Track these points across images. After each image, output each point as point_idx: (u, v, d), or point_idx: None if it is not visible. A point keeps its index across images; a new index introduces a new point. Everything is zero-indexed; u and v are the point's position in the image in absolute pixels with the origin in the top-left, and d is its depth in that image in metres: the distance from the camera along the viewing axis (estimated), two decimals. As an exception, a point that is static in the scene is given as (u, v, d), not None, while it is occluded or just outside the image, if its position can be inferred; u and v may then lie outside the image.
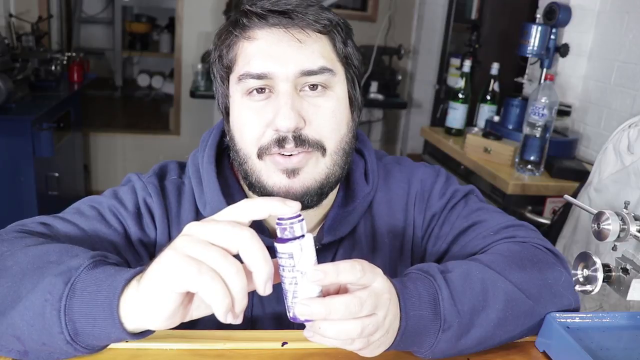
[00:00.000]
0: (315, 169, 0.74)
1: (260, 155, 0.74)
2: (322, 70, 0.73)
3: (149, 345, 0.66)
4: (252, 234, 0.50)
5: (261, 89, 0.73)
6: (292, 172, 0.73)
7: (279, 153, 0.72)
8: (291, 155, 0.72)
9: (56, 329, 0.55)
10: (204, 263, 0.49)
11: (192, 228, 0.52)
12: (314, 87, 0.73)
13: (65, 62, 3.09)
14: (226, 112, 0.80)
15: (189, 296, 0.53)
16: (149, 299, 0.52)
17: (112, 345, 0.65)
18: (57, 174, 2.64)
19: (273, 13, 0.72)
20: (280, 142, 0.72)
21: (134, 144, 3.88)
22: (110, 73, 4.72)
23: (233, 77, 0.75)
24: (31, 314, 0.56)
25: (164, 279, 0.50)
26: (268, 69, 0.71)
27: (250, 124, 0.74)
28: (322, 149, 0.74)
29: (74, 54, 3.26)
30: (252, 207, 0.53)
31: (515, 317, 0.69)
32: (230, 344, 0.68)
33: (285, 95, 0.71)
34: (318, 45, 0.73)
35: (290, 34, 0.72)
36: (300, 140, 0.72)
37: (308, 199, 0.74)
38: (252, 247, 0.50)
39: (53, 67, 2.91)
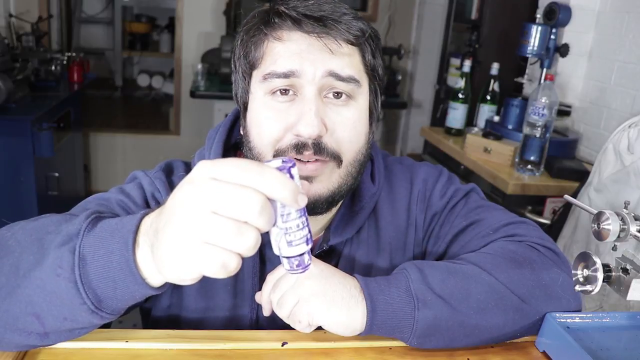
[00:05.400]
0: (329, 179, 0.74)
1: (275, 157, 0.73)
2: (350, 79, 0.72)
3: (149, 345, 0.66)
4: (261, 208, 0.46)
5: (285, 90, 0.72)
6: (305, 179, 0.72)
7: (295, 158, 0.71)
8: (307, 162, 0.72)
9: (77, 300, 0.54)
10: (220, 247, 0.46)
11: (200, 191, 0.46)
12: (338, 95, 0.73)
13: (65, 62, 3.09)
14: (244, 107, 0.78)
15: None
16: (169, 273, 0.49)
17: (112, 345, 0.65)
18: (57, 174, 2.64)
19: (308, 18, 0.71)
20: (299, 147, 0.71)
21: (134, 144, 3.88)
22: (110, 73, 4.72)
23: (257, 75, 0.74)
24: (46, 291, 0.55)
25: (180, 267, 0.48)
26: (295, 67, 0.70)
27: (270, 124, 0.73)
28: (338, 160, 0.73)
29: (74, 54, 3.26)
30: (266, 185, 0.47)
31: (502, 310, 0.69)
32: (230, 344, 0.68)
33: (310, 101, 0.70)
34: (348, 56, 0.73)
35: (323, 43, 0.71)
36: (319, 149, 0.71)
37: (318, 207, 0.74)
38: (261, 222, 0.46)
39: (53, 67, 2.90)
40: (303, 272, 0.53)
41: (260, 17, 0.75)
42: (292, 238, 0.51)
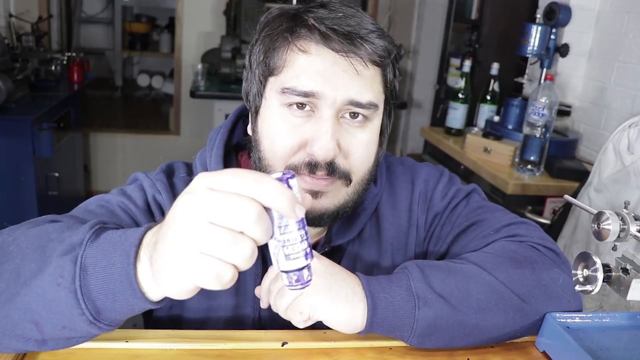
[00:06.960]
0: (337, 196, 0.74)
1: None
2: (370, 105, 0.72)
3: (149, 345, 0.66)
4: (257, 217, 0.45)
5: (302, 104, 0.71)
6: (315, 194, 0.72)
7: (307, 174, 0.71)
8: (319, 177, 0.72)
9: (76, 311, 0.54)
10: (215, 258, 0.45)
11: (197, 201, 0.46)
12: (354, 115, 0.72)
13: (65, 62, 3.09)
14: (255, 110, 0.77)
15: None
16: (166, 284, 0.49)
17: (112, 345, 0.65)
18: (57, 174, 2.64)
19: (336, 34, 0.69)
20: (312, 167, 0.71)
21: (134, 144, 3.88)
22: (110, 73, 4.73)
23: (274, 82, 0.72)
24: (46, 300, 0.55)
25: (175, 278, 0.47)
26: (317, 88, 0.69)
27: (283, 139, 0.72)
28: (348, 179, 0.74)
29: (74, 54, 3.26)
30: (263, 194, 0.46)
31: (502, 310, 0.69)
32: (230, 344, 0.68)
33: (328, 122, 0.70)
34: (371, 78, 0.72)
35: (349, 62, 0.69)
36: (332, 170, 0.71)
37: (324, 221, 0.75)
38: (257, 231, 0.46)
39: (53, 67, 2.91)
40: (302, 288, 0.51)
41: (286, 24, 0.72)
42: (290, 251, 0.49)
